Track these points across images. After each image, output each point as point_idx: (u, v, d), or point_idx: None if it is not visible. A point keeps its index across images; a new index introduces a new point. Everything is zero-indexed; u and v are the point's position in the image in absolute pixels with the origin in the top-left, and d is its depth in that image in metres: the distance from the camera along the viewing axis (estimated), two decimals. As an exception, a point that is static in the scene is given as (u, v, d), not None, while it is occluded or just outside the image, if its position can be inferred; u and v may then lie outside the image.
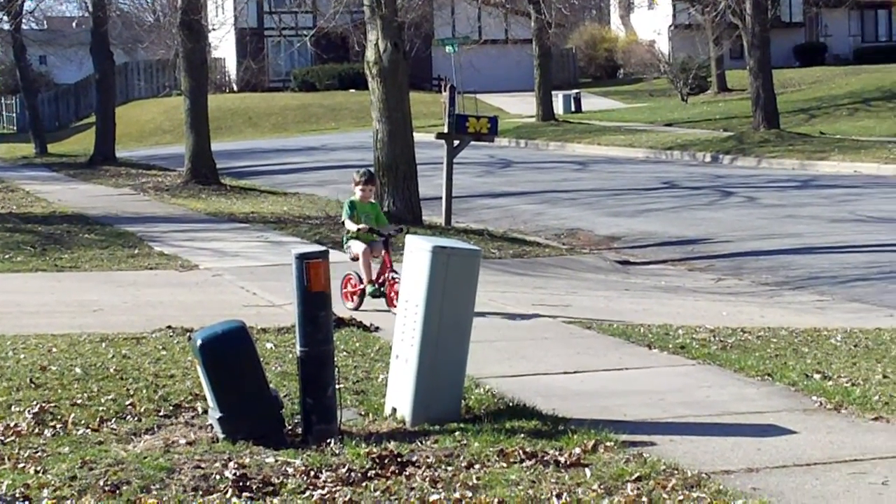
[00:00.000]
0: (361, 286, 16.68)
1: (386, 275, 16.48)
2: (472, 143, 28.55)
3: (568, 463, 9.77)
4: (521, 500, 8.96)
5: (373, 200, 17.27)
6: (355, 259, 16.80)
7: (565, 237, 26.64)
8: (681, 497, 9.00)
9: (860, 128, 51.61)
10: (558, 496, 9.00)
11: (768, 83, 50.06)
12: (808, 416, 11.39)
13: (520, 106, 75.51)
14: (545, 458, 9.85)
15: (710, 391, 12.30)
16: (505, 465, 9.74)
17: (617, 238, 26.15)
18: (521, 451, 10.00)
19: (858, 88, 65.39)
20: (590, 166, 44.38)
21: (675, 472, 9.58)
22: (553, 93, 68.84)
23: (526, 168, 44.45)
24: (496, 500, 8.94)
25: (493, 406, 11.43)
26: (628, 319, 16.07)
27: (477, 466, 9.69)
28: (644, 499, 8.93)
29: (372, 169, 17.39)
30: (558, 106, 70.48)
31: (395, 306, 14.75)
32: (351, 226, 16.67)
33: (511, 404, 11.48)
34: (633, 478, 9.40)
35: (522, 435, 10.49)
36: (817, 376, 12.62)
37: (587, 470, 9.60)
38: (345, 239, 17.07)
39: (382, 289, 16.55)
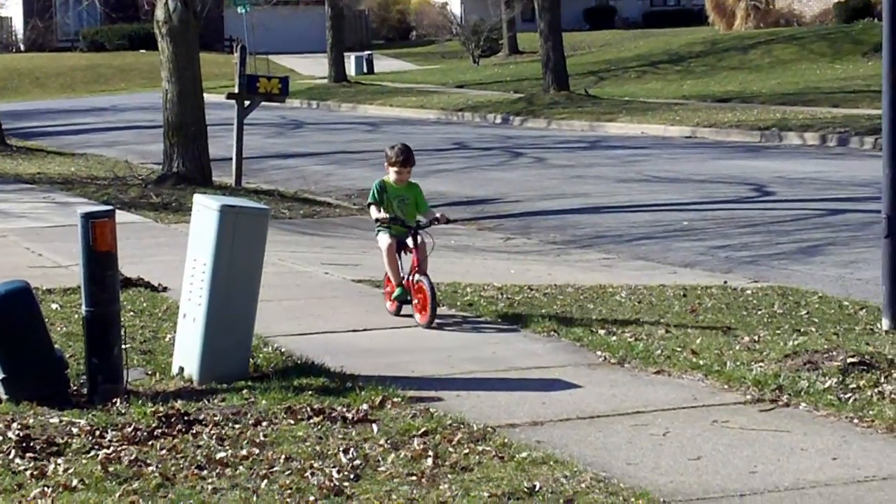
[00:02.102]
0: (389, 287, 13.94)
1: (412, 276, 13.41)
2: (263, 103, 28.45)
3: (355, 419, 9.83)
4: (308, 455, 9.00)
5: (412, 181, 13.89)
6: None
7: (356, 197, 26.63)
8: (466, 450, 9.11)
9: (648, 90, 52.35)
10: (345, 451, 9.05)
11: (558, 46, 50.47)
12: (592, 370, 11.59)
13: (312, 67, 75.34)
14: (333, 415, 9.90)
15: (497, 347, 12.43)
16: (293, 422, 9.77)
17: (408, 198, 26.23)
18: (308, 408, 10.04)
19: (646, 52, 66.30)
20: (381, 128, 44.39)
21: (462, 426, 9.68)
22: (345, 54, 68.79)
23: (317, 129, 44.33)
24: (283, 456, 8.97)
25: (282, 364, 11.45)
26: (417, 278, 16.12)
27: (264, 424, 9.71)
28: (430, 453, 9.01)
29: (409, 146, 13.85)
30: (350, 67, 70.46)
31: (423, 317, 13.18)
32: (373, 214, 13.67)
33: (299, 362, 11.51)
34: (420, 432, 9.49)
35: (310, 392, 10.53)
36: (602, 332, 12.82)
37: (374, 426, 9.67)
38: (376, 230, 13.88)
39: (408, 292, 13.60)
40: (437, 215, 13.71)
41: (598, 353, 12.10)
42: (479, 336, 12.99)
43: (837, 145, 34.38)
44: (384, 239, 13.58)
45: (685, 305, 14.34)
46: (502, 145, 36.46)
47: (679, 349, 11.99)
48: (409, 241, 13.51)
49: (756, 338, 12.42)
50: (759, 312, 13.95)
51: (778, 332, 12.83)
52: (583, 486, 8.37)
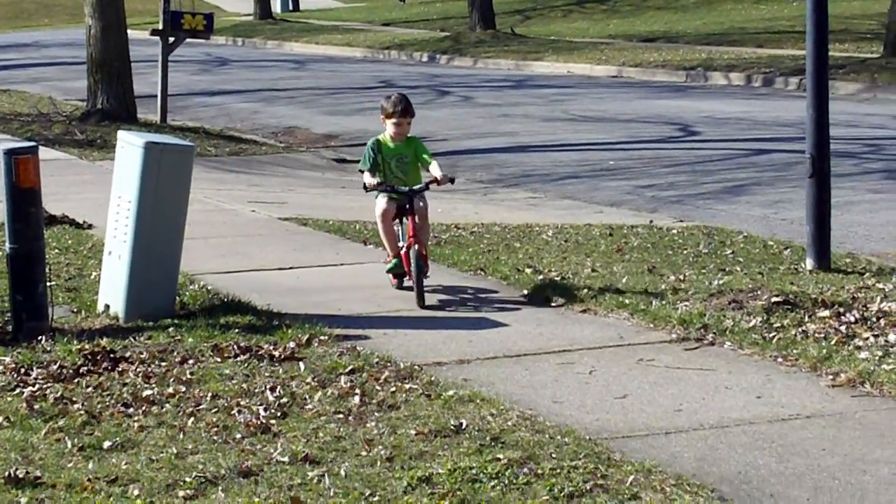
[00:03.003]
0: (386, 258, 12.36)
1: (408, 249, 11.82)
2: (188, 40, 28.22)
3: (282, 357, 9.84)
4: (235, 393, 9.00)
5: (410, 135, 12.18)
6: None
7: (282, 135, 26.57)
8: (393, 388, 9.13)
9: (574, 29, 52.30)
10: (272, 389, 9.06)
11: (485, -17, 50.55)
12: (519, 309, 11.62)
13: (237, 4, 74.73)
14: (260, 353, 9.90)
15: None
16: (219, 359, 9.77)
17: (334, 136, 26.18)
18: (235, 346, 10.04)
19: (573, -10, 66.26)
20: (307, 65, 44.21)
21: (389, 364, 9.71)
22: (272, -9, 68.34)
23: (243, 67, 44.09)
24: (210, 394, 8.96)
25: (208, 302, 11.43)
26: (344, 217, 16.11)
27: (191, 362, 9.70)
28: (357, 391, 9.04)
29: (406, 95, 12.20)
30: (276, 5, 70.02)
31: (417, 295, 11.59)
32: (365, 178, 11.98)
33: (226, 300, 11.49)
34: (347, 370, 9.51)
35: (237, 330, 10.52)
36: (528, 270, 12.85)
37: (301, 363, 9.68)
38: (376, 194, 12.19)
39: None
40: (438, 175, 11.96)
41: (525, 291, 12.13)
42: (405, 274, 13.00)
43: (762, 86, 34.51)
44: (380, 203, 12.02)
45: (611, 245, 14.38)
46: (429, 84, 36.36)
47: (605, 288, 12.04)
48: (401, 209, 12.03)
49: (682, 277, 12.49)
50: (685, 252, 14.01)
51: (703, 271, 12.91)
52: (509, 423, 8.40)
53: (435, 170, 12.00)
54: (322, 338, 10.37)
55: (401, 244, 11.96)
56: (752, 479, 7.61)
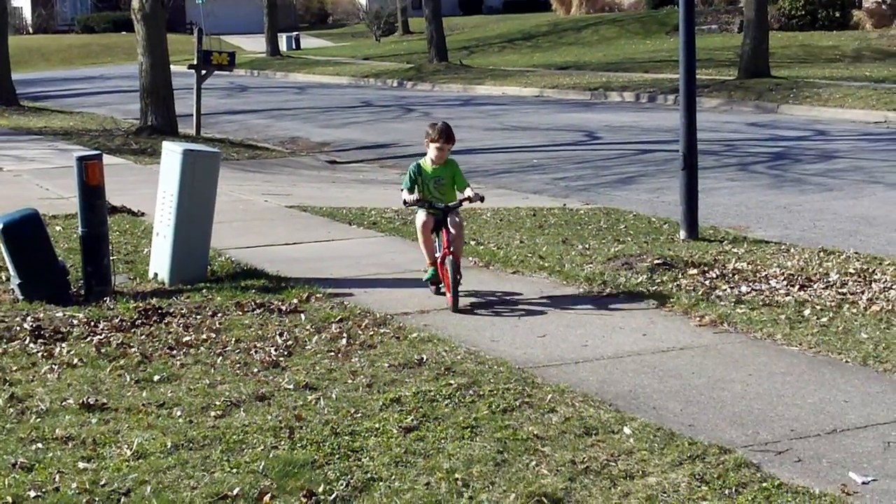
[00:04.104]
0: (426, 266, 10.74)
1: (443, 259, 10.25)
2: (216, 73, 28.10)
3: (288, 310, 9.81)
4: (252, 338, 8.98)
5: (450, 158, 10.68)
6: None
7: (288, 143, 26.42)
8: (371, 332, 9.13)
9: (507, 61, 52.13)
10: (280, 335, 9.04)
11: (439, 27, 50.36)
12: (466, 271, 11.58)
13: (253, 44, 74.19)
14: (271, 307, 9.88)
15: (394, 255, 12.43)
16: (241, 313, 9.74)
17: (327, 144, 26.05)
18: (253, 303, 10.00)
19: (506, 31, 66.00)
20: (307, 90, 43.98)
21: (368, 314, 9.70)
22: (278, 34, 68.00)
23: (258, 92, 43.80)
24: (233, 339, 8.94)
25: (232, 270, 11.38)
26: (334, 204, 16.07)
27: (219, 315, 9.67)
28: (344, 334, 9.03)
29: (448, 124, 10.59)
30: (283, 44, 69.62)
31: (450, 299, 10.04)
32: (404, 197, 10.52)
33: (246, 268, 11.45)
34: (337, 319, 9.50)
35: (254, 291, 10.49)
36: (472, 242, 12.84)
37: (302, 315, 9.66)
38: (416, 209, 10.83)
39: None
40: (470, 194, 10.45)
41: (470, 258, 12.11)
42: (380, 247, 12.97)
43: (648, 101, 34.51)
44: (420, 216, 10.63)
45: (535, 223, 14.40)
46: (398, 103, 36.23)
47: (530, 255, 12.05)
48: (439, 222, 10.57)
49: (587, 246, 12.52)
50: (590, 227, 14.04)
51: (603, 241, 12.93)
52: (458, 357, 8.42)
53: (467, 191, 10.46)
54: (318, 295, 10.36)
55: (437, 254, 10.48)
56: (639, 396, 7.65)
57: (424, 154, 10.57)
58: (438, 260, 10.44)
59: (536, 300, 10.32)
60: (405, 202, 10.47)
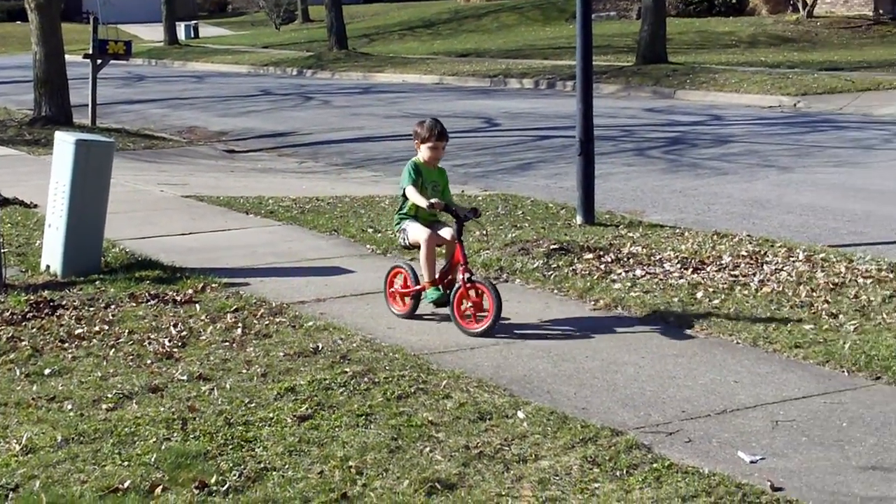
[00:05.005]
0: (417, 287, 9.27)
1: (461, 275, 8.89)
2: (112, 62, 27.74)
3: (183, 300, 9.74)
4: (146, 329, 8.89)
5: (441, 166, 9.39)
6: (411, 247, 9.38)
7: (185, 133, 26.15)
8: (267, 322, 9.09)
9: (407, 48, 52.16)
10: (175, 325, 8.97)
11: (339, 15, 50.10)
12: (363, 259, 11.61)
13: (151, 33, 73.48)
14: (165, 298, 9.79)
15: (291, 244, 12.38)
16: (134, 304, 9.64)
17: (225, 133, 25.84)
18: (147, 294, 9.91)
19: (406, 19, 66.02)
20: (205, 79, 43.58)
21: (264, 303, 9.66)
22: (177, 23, 67.28)
23: (156, 81, 43.31)
24: (127, 330, 8.85)
25: (126, 261, 11.26)
26: (232, 194, 15.96)
27: (113, 307, 9.56)
28: (240, 324, 8.98)
29: (439, 119, 9.32)
30: (181, 33, 68.91)
31: (478, 324, 8.78)
32: (418, 199, 8.92)
33: (140, 259, 11.33)
34: (232, 309, 9.44)
35: (148, 282, 10.39)
36: (370, 230, 12.84)
37: (197, 305, 9.59)
38: (397, 218, 9.38)
39: (449, 293, 9.05)
40: (476, 208, 9.41)
41: (368, 246, 12.13)
42: (278, 236, 12.91)
43: (547, 88, 34.72)
44: (419, 229, 9.10)
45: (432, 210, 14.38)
46: (297, 92, 36.06)
47: (427, 242, 12.05)
48: (446, 233, 9.13)
49: (484, 231, 12.54)
50: (487, 213, 14.06)
51: (501, 227, 12.98)
52: (354, 345, 8.41)
53: (460, 207, 9.25)
54: (213, 285, 10.29)
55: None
56: (533, 380, 7.70)
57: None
58: (440, 278, 9.18)
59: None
60: (431, 204, 8.86)
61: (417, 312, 9.35)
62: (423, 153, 9.19)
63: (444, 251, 9.43)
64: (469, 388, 7.43)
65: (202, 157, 22.08)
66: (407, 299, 9.39)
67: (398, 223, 9.35)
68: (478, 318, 8.82)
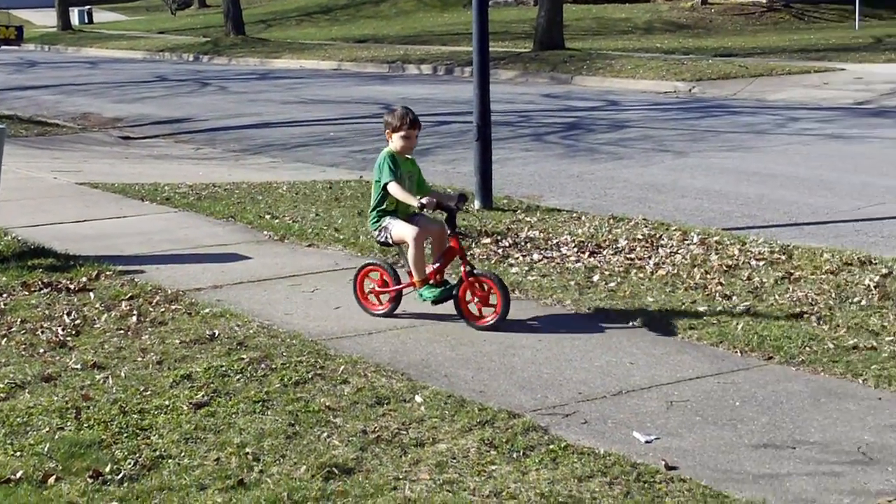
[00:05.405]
0: (398, 286, 8.82)
1: (463, 268, 8.50)
2: (3, 48, 27.29)
3: (77, 289, 9.60)
4: (39, 318, 8.76)
5: (409, 156, 8.80)
6: (394, 244, 8.89)
7: (79, 119, 25.76)
8: (163, 309, 9.00)
9: (305, 34, 51.96)
10: (69, 314, 8.84)
11: (236, 0, 49.80)
12: (260, 245, 11.54)
13: (44, 19, 72.45)
14: (59, 286, 9.65)
15: (188, 231, 12.26)
16: (27, 293, 9.49)
17: (120, 119, 25.49)
18: (40, 282, 9.77)
19: (304, 4, 65.68)
20: (99, 65, 42.99)
21: (159, 290, 9.56)
22: (70, 8, 66.34)
23: (49, 67, 42.61)
24: (19, 319, 8.72)
25: (19, 249, 11.08)
26: (127, 180, 15.74)
27: (4, 295, 9.41)
28: (135, 312, 8.88)
29: (410, 108, 8.82)
30: (74, 18, 67.97)
31: (483, 319, 8.47)
32: (408, 199, 8.47)
33: (33, 247, 11.16)
34: (127, 297, 9.33)
35: (41, 270, 10.23)
36: (268, 216, 12.76)
37: (91, 293, 9.47)
38: (375, 215, 8.82)
39: (452, 290, 8.65)
40: (464, 194, 9.10)
41: (265, 232, 12.05)
42: (174, 222, 12.78)
43: (445, 74, 34.77)
44: (404, 227, 8.62)
45: (331, 195, 14.34)
46: (194, 78, 35.72)
47: (325, 227, 12.03)
48: (435, 227, 8.80)
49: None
50: (386, 199, 14.04)
51: (399, 212, 12.96)
52: (251, 331, 8.36)
53: (445, 195, 8.95)
54: (108, 273, 10.16)
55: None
56: (431, 364, 7.72)
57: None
58: (434, 272, 8.74)
59: (331, 272, 10.30)
60: (423, 205, 8.39)
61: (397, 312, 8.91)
62: (396, 143, 8.65)
63: (428, 244, 8.94)
64: (367, 372, 7.43)
65: (96, 143, 21.77)
66: (383, 299, 8.92)
67: (377, 220, 8.79)
68: (484, 312, 8.50)
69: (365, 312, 8.95)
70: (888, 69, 29.31)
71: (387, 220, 8.73)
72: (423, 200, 8.37)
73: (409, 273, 8.77)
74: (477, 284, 8.51)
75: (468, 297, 8.58)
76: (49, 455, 6.12)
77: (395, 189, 8.51)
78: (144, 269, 10.41)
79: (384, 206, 8.74)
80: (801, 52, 34.60)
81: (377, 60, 38.30)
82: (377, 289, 8.97)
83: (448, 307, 8.70)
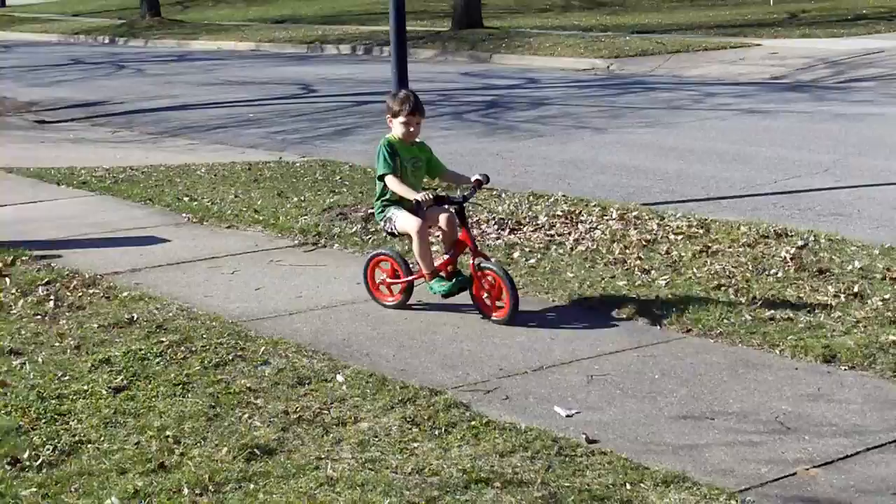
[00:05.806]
0: (410, 277, 8.50)
1: (473, 260, 8.18)
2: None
3: (-9, 275, 9.48)
4: (-47, 305, 8.64)
5: (419, 139, 8.52)
6: (396, 235, 8.58)
7: (-5, 104, 25.41)
8: (80, 294, 8.91)
9: (222, 15, 51.57)
10: (-17, 300, 8.74)
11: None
12: (179, 228, 11.44)
13: (-46, 2, 71.21)
14: (-27, 273, 9.51)
15: (105, 214, 12.14)
16: (-60, 280, 9.35)
17: (35, 103, 25.08)
18: (-47, 269, 9.63)
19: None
20: (13, 49, 42.33)
21: (77, 275, 9.46)
22: (-19, -9, 65.36)
23: (-39, 51, 41.99)
24: (-68, 307, 8.59)
25: (-69, 236, 10.91)
26: (43, 165, 15.53)
27: (-83, 283, 9.26)
28: (52, 297, 8.79)
29: (415, 92, 8.53)
30: (-14, 1, 66.97)
31: (499, 312, 8.09)
32: (405, 192, 8.17)
33: (-54, 234, 10.99)
34: (44, 282, 9.23)
35: (-46, 256, 10.08)
36: (186, 199, 12.66)
37: (7, 279, 9.35)
38: (380, 205, 8.46)
39: (464, 283, 8.29)
40: (479, 177, 8.47)
41: (184, 215, 11.96)
42: (91, 206, 12.64)
43: (364, 54, 34.67)
44: (407, 218, 8.27)
45: (250, 177, 14.25)
46: (110, 60, 35.30)
47: (245, 209, 11.97)
48: (441, 219, 8.34)
49: (302, 198, 12.50)
50: (306, 179, 14.00)
51: (319, 192, 12.93)
52: (170, 314, 8.30)
53: (462, 177, 8.68)
54: (24, 258, 10.04)
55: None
56: (353, 344, 7.71)
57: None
58: (445, 264, 8.39)
59: (251, 254, 10.25)
60: (418, 203, 8.05)
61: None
62: (396, 129, 8.30)
63: (436, 234, 8.72)
64: (288, 353, 7.40)
65: (11, 127, 21.43)
66: (395, 290, 8.61)
67: (381, 210, 8.41)
68: (497, 305, 8.12)
69: (377, 303, 8.60)
70: (803, 44, 29.66)
71: (391, 211, 8.37)
72: (419, 198, 8.01)
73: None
74: (484, 278, 8.19)
75: (481, 289, 8.21)
76: (-35, 443, 6.04)
77: (392, 182, 8.18)
78: (61, 254, 10.29)
79: (388, 196, 8.37)
80: (717, 28, 34.91)
81: (295, 41, 38.10)
82: (388, 280, 8.64)
83: (464, 297, 8.37)
